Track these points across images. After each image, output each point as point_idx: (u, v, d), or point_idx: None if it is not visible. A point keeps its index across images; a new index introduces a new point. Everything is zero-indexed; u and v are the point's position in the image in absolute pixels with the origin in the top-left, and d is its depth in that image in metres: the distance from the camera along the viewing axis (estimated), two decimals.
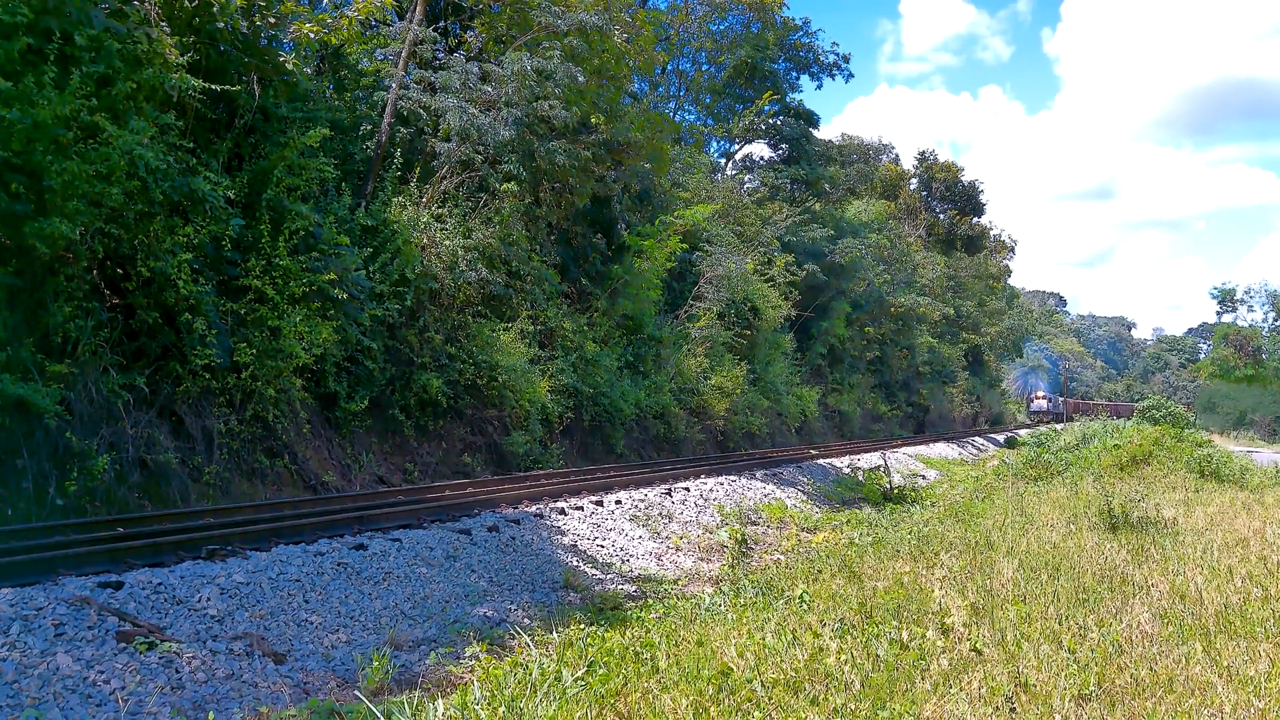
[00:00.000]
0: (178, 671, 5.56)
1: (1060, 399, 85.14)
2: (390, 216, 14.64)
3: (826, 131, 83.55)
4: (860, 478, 21.92)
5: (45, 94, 8.49)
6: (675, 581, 10.34)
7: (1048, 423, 66.97)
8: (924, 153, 67.42)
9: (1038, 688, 4.62)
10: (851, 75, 71.15)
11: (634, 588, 9.83)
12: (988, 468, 29.03)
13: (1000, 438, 52.70)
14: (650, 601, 8.88)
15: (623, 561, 10.89)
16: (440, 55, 17.86)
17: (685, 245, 25.12)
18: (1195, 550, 8.62)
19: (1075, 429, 33.35)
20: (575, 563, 10.18)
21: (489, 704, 4.50)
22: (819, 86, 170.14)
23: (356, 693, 5.47)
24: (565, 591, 9.23)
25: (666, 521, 13.11)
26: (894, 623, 5.89)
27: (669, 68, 39.98)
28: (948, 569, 8.02)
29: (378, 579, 7.91)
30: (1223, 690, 4.58)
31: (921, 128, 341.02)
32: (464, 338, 15.81)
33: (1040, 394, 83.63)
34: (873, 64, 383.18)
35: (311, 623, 6.89)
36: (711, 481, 16.65)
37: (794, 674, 4.84)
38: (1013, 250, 75.62)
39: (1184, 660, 5.08)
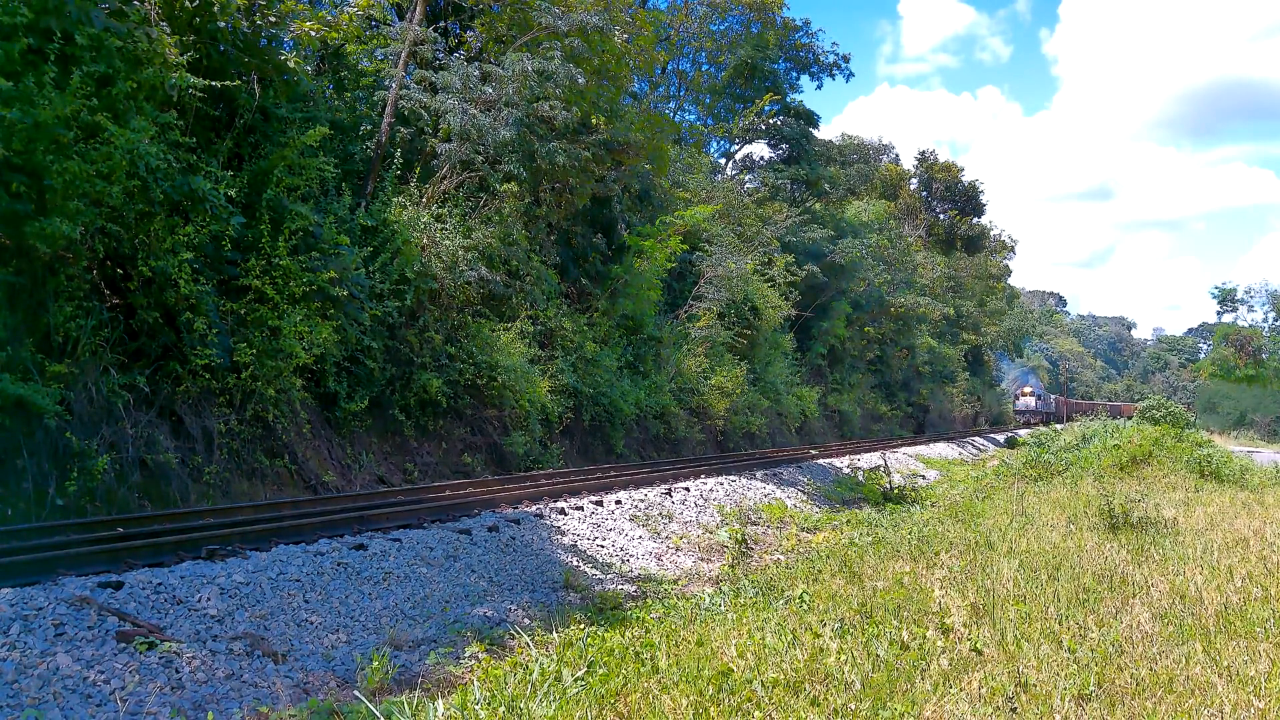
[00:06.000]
0: (178, 671, 5.55)
1: (1053, 397, 79.91)
2: (390, 216, 14.64)
3: (826, 131, 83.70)
4: (860, 478, 21.91)
5: (46, 94, 8.49)
6: (675, 581, 10.34)
7: (1036, 424, 62.47)
8: (924, 153, 67.46)
9: (1038, 687, 4.62)
10: (852, 75, 71.24)
11: (634, 588, 9.82)
12: (988, 468, 29.02)
13: (1000, 438, 52.66)
14: (650, 601, 8.87)
15: (623, 561, 10.88)
16: (440, 55, 17.86)
17: (685, 245, 25.12)
18: (1195, 550, 8.62)
19: (1075, 429, 33.33)
20: (575, 563, 10.18)
21: (489, 704, 4.50)
22: (819, 86, 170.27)
23: (356, 693, 5.46)
24: (565, 591, 9.23)
25: (666, 521, 13.10)
26: (894, 623, 5.90)
27: (669, 68, 39.99)
28: (948, 569, 8.02)
29: (378, 579, 7.91)
30: (1223, 690, 4.58)
31: (921, 128, 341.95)
32: (464, 338, 15.80)
33: (1027, 390, 73.43)
34: (872, 64, 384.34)
35: (311, 623, 6.88)
36: (711, 481, 16.65)
37: (794, 674, 4.84)
38: (1013, 250, 75.55)
39: (1184, 660, 5.08)
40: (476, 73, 17.02)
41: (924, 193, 66.68)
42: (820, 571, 8.84)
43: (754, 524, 14.52)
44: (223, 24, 11.74)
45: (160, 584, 6.44)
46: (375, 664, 6.01)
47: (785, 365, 32.37)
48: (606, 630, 6.70)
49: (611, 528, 11.91)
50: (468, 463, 15.48)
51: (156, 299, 10.29)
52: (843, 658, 5.05)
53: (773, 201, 38.41)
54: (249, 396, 11.34)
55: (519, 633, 6.91)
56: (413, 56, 16.91)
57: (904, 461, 28.87)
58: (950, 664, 5.02)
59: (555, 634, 6.77)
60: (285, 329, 11.35)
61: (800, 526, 15.00)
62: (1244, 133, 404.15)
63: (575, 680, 4.82)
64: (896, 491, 20.35)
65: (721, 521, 13.99)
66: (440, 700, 4.68)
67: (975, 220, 68.22)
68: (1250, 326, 63.91)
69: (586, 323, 20.21)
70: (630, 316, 22.28)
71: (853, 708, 4.36)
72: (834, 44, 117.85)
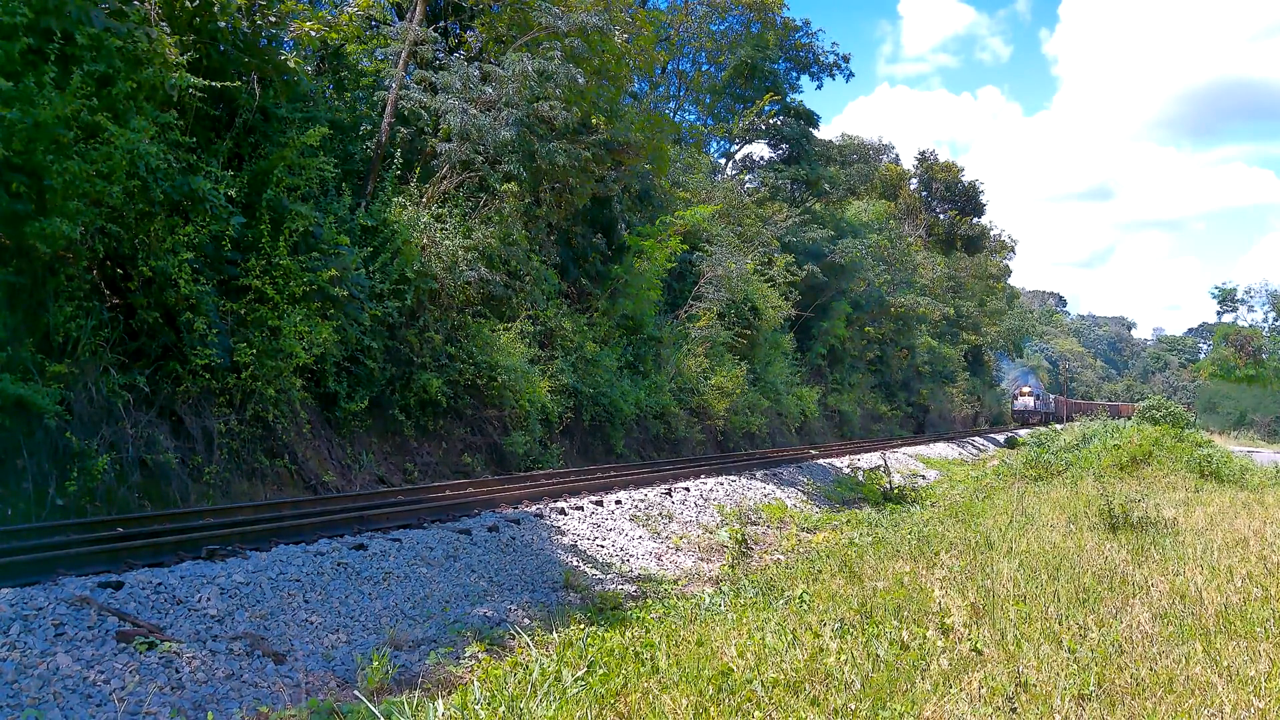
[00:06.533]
0: (178, 671, 5.55)
1: (1053, 397, 79.65)
2: (390, 216, 14.64)
3: (826, 131, 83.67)
4: (860, 478, 21.91)
5: (46, 94, 8.49)
6: (675, 581, 10.33)
7: (1035, 424, 62.10)
8: (924, 153, 67.43)
9: (1038, 687, 4.62)
10: (852, 75, 71.14)
11: (634, 588, 9.82)
12: (988, 468, 29.02)
13: (1000, 438, 52.64)
14: (650, 601, 8.88)
15: (623, 561, 10.89)
16: (440, 55, 17.86)
17: (685, 245, 25.12)
18: (1195, 550, 8.62)
19: (1075, 429, 33.32)
20: (575, 563, 10.18)
21: (489, 704, 4.50)
22: (819, 86, 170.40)
23: (356, 693, 5.46)
24: (565, 591, 9.23)
25: (666, 521, 13.10)
26: (894, 623, 5.90)
27: (669, 68, 39.99)
28: (948, 569, 8.02)
29: (378, 579, 7.91)
30: (1223, 690, 4.58)
31: (921, 128, 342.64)
32: (464, 338, 15.80)
33: (1026, 389, 72.46)
34: (872, 64, 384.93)
35: (311, 623, 6.88)
36: (711, 481, 16.65)
37: (794, 674, 4.84)
38: (1013, 250, 75.52)
39: (1184, 660, 5.08)
40: (476, 73, 17.03)
41: (924, 193, 66.66)
42: (820, 571, 8.84)
43: (754, 524, 14.51)
44: (223, 24, 11.73)
45: (160, 584, 6.44)
46: (375, 664, 6.01)
47: (785, 365, 32.37)
48: (606, 630, 6.70)
49: (611, 528, 11.91)
50: (468, 463, 15.48)
51: (156, 299, 10.29)
52: (843, 658, 5.05)
53: (773, 201, 38.41)
54: (249, 396, 11.34)
55: (519, 633, 6.91)
56: (413, 56, 16.91)
57: (904, 461, 28.86)
58: (950, 664, 5.02)
59: (555, 634, 6.77)
60: (285, 329, 11.35)
61: (800, 526, 15.00)
62: (1244, 133, 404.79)
63: (575, 680, 4.82)
64: (896, 491, 20.35)
65: (721, 521, 13.99)
66: (440, 700, 4.68)
67: (975, 220, 68.20)
68: (1250, 326, 63.91)
69: (586, 323, 20.21)
70: (630, 316, 22.28)
71: (853, 708, 4.36)
72: (834, 44, 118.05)
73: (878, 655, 5.13)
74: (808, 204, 40.11)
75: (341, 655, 6.58)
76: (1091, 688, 4.60)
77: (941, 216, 67.45)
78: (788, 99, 42.29)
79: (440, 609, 7.90)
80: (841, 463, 24.78)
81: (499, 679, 5.01)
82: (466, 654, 6.59)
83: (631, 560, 11.04)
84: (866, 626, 5.77)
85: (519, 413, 16.32)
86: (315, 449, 12.70)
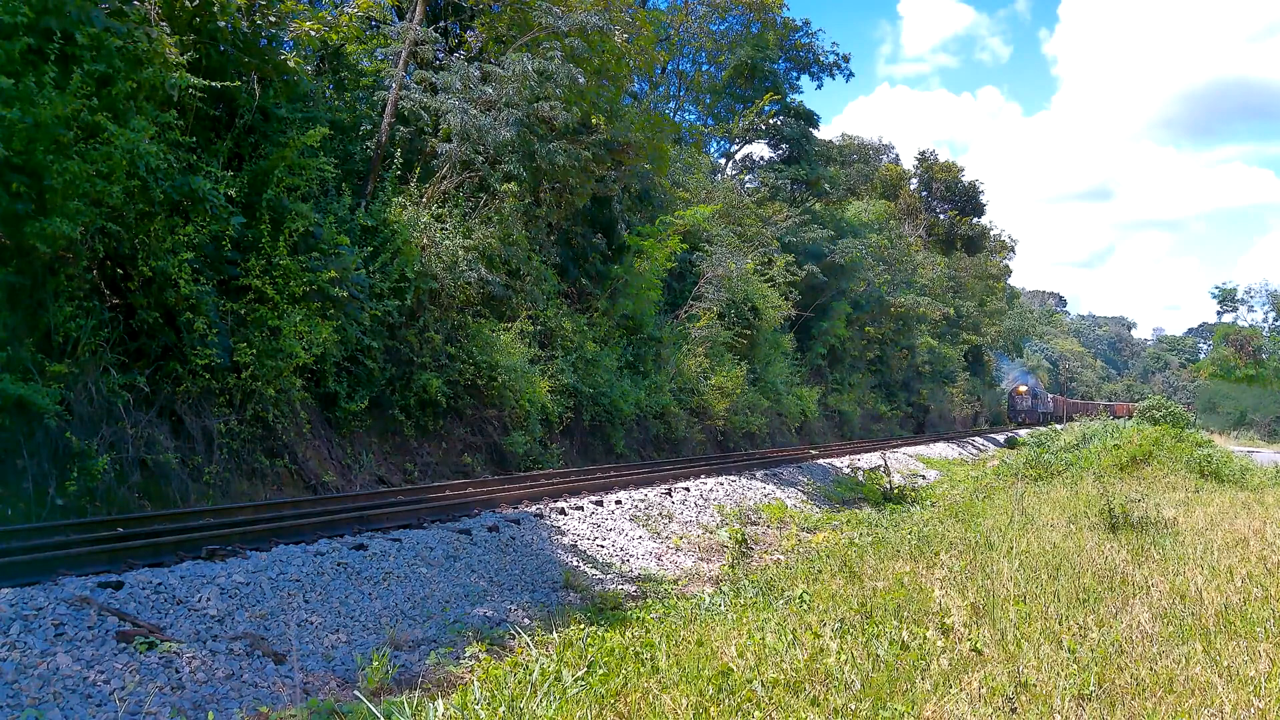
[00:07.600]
0: (178, 671, 5.55)
1: (1051, 397, 79.25)
2: (390, 216, 14.64)
3: (827, 131, 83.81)
4: (860, 478, 21.90)
5: (46, 93, 8.49)
6: (675, 581, 10.33)
7: (1033, 424, 61.72)
8: (924, 153, 67.47)
9: (1038, 688, 4.62)
10: (852, 75, 71.18)
11: (634, 588, 9.82)
12: (988, 468, 29.01)
13: (1000, 438, 52.62)
14: (650, 601, 8.87)
15: (623, 561, 10.88)
16: (440, 55, 17.87)
17: (685, 245, 25.14)
18: (1195, 550, 8.62)
19: (1075, 429, 33.30)
20: (575, 563, 10.18)
21: (489, 704, 4.50)
22: (819, 86, 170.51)
23: (356, 693, 5.46)
24: (565, 591, 9.23)
25: (666, 521, 13.10)
26: (894, 623, 5.89)
27: (669, 68, 40.00)
28: (948, 569, 8.02)
29: (378, 579, 7.91)
30: (1223, 690, 4.58)
31: (921, 128, 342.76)
32: (464, 338, 15.81)
33: (1023, 389, 71.35)
34: (872, 64, 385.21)
35: (311, 623, 6.88)
36: (711, 481, 16.65)
37: (794, 674, 4.84)
38: (1013, 250, 75.55)
39: (1184, 660, 5.08)
40: (476, 73, 17.03)
41: (924, 193, 66.68)
42: (820, 571, 8.84)
43: (754, 524, 14.52)
44: (223, 24, 11.73)
45: (160, 584, 6.44)
46: (375, 664, 6.01)
47: (785, 365, 32.38)
48: (606, 630, 6.70)
49: (611, 528, 11.91)
50: (468, 463, 15.48)
51: (156, 299, 10.29)
52: (843, 658, 5.05)
53: (773, 201, 38.43)
54: (249, 396, 11.34)
55: (519, 633, 6.91)
56: (413, 56, 16.92)
57: (904, 461, 28.86)
58: (950, 664, 5.02)
59: (555, 634, 6.77)
60: (285, 329, 11.35)
61: (800, 526, 15.00)
62: (1243, 133, 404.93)
63: (575, 680, 4.82)
64: (896, 491, 20.34)
65: (721, 521, 13.99)
66: (440, 700, 4.68)
67: (975, 220, 68.23)
68: (1250, 326, 63.85)
69: (586, 323, 20.21)
70: (630, 316, 22.29)
71: (853, 708, 4.36)
72: (834, 44, 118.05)
73: (878, 655, 5.13)
74: (808, 204, 40.12)
75: (341, 655, 6.58)
76: (1091, 688, 4.60)
77: (941, 216, 67.46)
78: (788, 99, 42.30)
79: (440, 609, 7.90)
80: (841, 463, 24.78)
81: (499, 679, 5.01)
82: (466, 654, 6.58)
83: (631, 560, 11.03)
84: (866, 626, 5.77)
85: (519, 413, 16.32)
86: (315, 449, 12.70)
